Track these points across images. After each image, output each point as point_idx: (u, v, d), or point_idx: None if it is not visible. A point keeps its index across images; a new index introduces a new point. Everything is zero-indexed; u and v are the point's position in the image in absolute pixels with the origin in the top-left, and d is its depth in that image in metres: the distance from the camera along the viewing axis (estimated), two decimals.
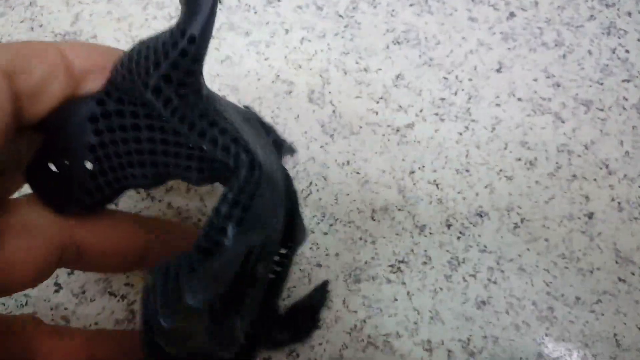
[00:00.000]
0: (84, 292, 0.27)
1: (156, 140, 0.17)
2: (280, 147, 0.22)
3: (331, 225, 0.28)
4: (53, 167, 0.17)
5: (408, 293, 0.27)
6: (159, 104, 0.16)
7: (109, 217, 0.20)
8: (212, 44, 0.33)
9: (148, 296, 0.15)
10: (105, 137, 0.17)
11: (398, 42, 0.33)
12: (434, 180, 0.29)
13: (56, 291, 0.27)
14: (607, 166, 0.29)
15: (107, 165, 0.18)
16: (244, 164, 0.16)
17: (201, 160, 0.18)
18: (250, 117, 0.21)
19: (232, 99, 0.32)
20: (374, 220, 0.28)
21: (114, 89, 0.17)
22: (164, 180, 0.18)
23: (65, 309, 0.26)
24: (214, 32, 0.33)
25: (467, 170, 0.29)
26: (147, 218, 0.23)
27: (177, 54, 0.15)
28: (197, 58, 0.15)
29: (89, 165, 0.17)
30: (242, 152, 0.16)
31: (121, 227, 0.20)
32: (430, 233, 0.28)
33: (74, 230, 0.18)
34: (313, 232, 0.28)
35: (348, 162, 0.30)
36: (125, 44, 0.34)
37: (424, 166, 0.29)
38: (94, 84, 0.17)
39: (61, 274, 0.27)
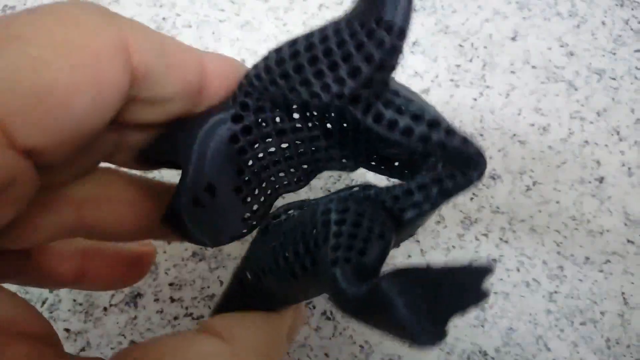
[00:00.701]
0: None
1: (305, 139, 0.16)
2: None
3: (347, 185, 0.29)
4: (196, 203, 0.15)
5: (421, 251, 0.27)
6: (357, 113, 0.14)
7: (120, 197, 0.17)
8: (232, 9, 0.34)
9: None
10: (249, 154, 0.15)
11: (414, 10, 0.33)
12: None
13: None
14: (618, 133, 0.30)
15: (256, 184, 0.16)
16: (479, 167, 0.14)
17: (357, 142, 0.16)
18: None
19: (251, 63, 0.32)
20: (389, 180, 0.29)
21: (252, 99, 0.15)
22: (315, 175, 0.17)
23: None
24: None
25: (481, 135, 0.30)
26: (157, 185, 0.19)
27: (386, 54, 0.13)
28: (401, 51, 0.13)
29: (237, 190, 0.15)
30: (476, 158, 0.13)
31: (132, 207, 0.17)
32: None
33: (87, 218, 0.16)
34: (329, 192, 0.29)
35: None
36: (147, 9, 0.34)
37: None
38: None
39: None
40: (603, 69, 0.31)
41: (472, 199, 0.28)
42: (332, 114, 0.15)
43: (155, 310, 0.26)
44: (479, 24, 0.33)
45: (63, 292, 0.27)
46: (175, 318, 0.26)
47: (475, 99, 0.31)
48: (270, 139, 0.16)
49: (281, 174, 0.17)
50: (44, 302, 0.26)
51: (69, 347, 0.26)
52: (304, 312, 0.20)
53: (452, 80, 0.31)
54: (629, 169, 0.29)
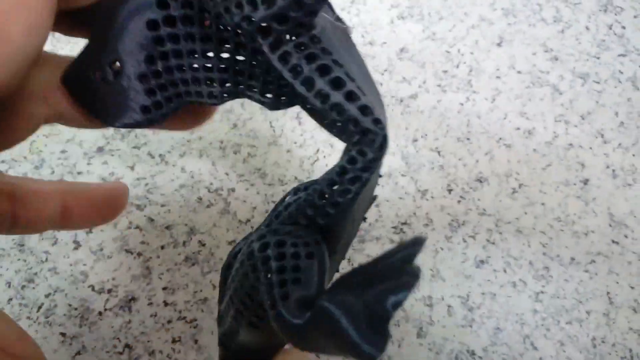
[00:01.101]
0: (101, 250, 0.28)
1: (231, 57, 0.15)
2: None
3: None
4: (99, 75, 0.15)
5: None
6: (264, 46, 0.13)
7: None
8: None
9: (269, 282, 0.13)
10: (167, 46, 0.14)
11: (402, 17, 0.34)
12: (436, 148, 0.30)
13: (75, 248, 0.28)
14: (602, 135, 0.30)
15: (167, 79, 0.15)
16: (375, 143, 0.13)
17: (281, 86, 0.15)
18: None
19: None
20: (379, 185, 0.29)
21: None
22: (232, 98, 0.16)
23: (84, 265, 0.28)
24: None
25: (468, 139, 0.30)
26: None
27: None
28: None
29: (143, 76, 0.15)
30: (372, 129, 0.13)
31: None
32: (432, 197, 0.29)
33: (55, 105, 0.17)
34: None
35: None
36: None
37: (426, 135, 0.31)
38: None
39: (80, 232, 0.28)
40: (587, 73, 0.32)
41: (459, 201, 0.29)
42: (244, 40, 0.14)
43: (150, 314, 0.27)
44: (465, 30, 0.34)
45: (58, 298, 0.27)
46: (169, 322, 0.27)
47: (462, 104, 0.31)
48: (193, 41, 0.15)
49: (197, 81, 0.16)
50: (39, 308, 0.27)
51: (65, 352, 0.26)
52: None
53: (439, 85, 0.32)
54: (613, 170, 0.29)
